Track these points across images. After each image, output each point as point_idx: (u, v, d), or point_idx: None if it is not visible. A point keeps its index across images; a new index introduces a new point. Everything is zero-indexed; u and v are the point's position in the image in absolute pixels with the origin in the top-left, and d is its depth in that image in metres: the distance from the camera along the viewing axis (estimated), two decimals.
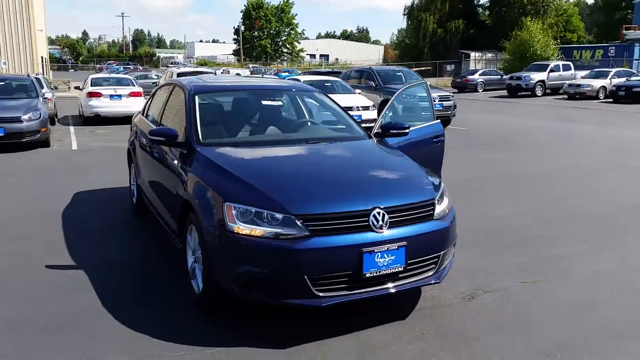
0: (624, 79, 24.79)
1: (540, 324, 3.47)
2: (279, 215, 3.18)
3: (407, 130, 4.71)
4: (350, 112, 8.22)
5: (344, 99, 11.76)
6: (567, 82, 26.42)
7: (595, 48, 33.27)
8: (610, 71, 25.82)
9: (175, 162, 4.22)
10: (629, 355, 3.12)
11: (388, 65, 46.41)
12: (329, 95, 5.39)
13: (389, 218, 3.27)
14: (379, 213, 3.26)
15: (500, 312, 3.65)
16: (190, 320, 3.52)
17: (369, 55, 79.67)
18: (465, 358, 3.06)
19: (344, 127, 4.80)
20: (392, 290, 3.32)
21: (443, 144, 5.72)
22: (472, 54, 47.29)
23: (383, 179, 3.83)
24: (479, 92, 31.03)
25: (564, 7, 58.93)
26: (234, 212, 3.25)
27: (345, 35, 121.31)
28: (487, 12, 54.37)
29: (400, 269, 3.31)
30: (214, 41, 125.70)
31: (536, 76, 27.31)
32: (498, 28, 47.74)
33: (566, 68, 28.12)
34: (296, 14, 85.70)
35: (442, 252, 3.53)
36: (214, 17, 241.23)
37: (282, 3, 76.01)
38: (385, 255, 3.22)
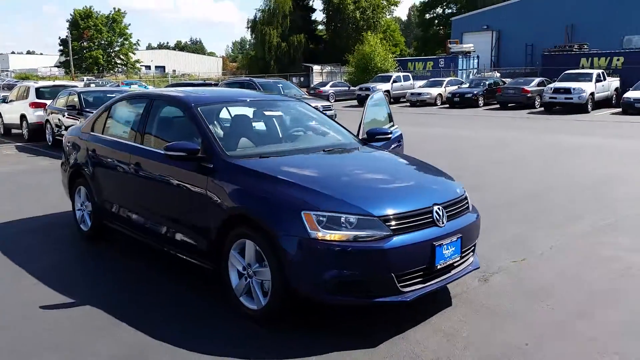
0: (456, 86, 28.36)
1: (553, 290, 4.11)
2: (361, 219, 3.33)
3: (389, 135, 5.11)
4: None
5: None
6: (409, 91, 29.33)
7: (427, 60, 37.45)
8: (444, 80, 29.30)
9: (196, 178, 4.05)
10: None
11: (235, 76, 46.71)
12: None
13: (446, 213, 3.62)
14: (439, 209, 3.59)
15: (518, 286, 4.22)
16: (264, 340, 3.47)
17: (209, 67, 78.79)
18: (519, 326, 3.54)
19: (338, 134, 5.00)
20: (453, 279, 3.67)
21: (402, 146, 6.29)
22: (315, 67, 49.71)
23: (426, 178, 4.16)
24: (330, 102, 32.83)
25: (388, 23, 64.97)
26: (314, 219, 3.31)
27: (180, 47, 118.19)
28: (323, 28, 57.57)
29: (457, 259, 3.67)
30: (28, 52, 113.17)
31: (382, 86, 29.78)
32: (335, 42, 51.10)
33: (406, 79, 31.20)
34: (129, 24, 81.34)
35: (476, 241, 3.98)
36: (27, 26, 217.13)
37: (113, 12, 71.58)
38: (449, 247, 3.55)
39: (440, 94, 28.38)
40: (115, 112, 5.46)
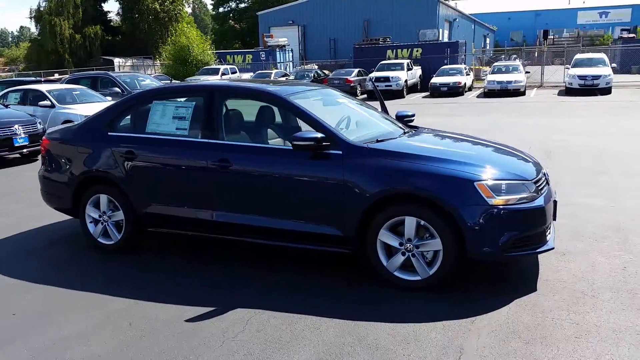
0: (283, 78, 29.53)
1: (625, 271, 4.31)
2: (522, 183, 3.93)
3: (413, 117, 5.65)
4: None
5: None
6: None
7: (246, 53, 37.84)
8: (272, 72, 30.23)
9: (324, 166, 4.13)
10: None
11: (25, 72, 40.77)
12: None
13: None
14: (544, 174, 4.35)
15: (589, 274, 4.26)
16: (436, 302, 3.92)
17: None
18: (608, 304, 3.70)
19: (380, 120, 5.33)
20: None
21: None
22: (117, 60, 46.23)
23: (511, 151, 4.79)
24: None
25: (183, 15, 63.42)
26: (487, 188, 3.79)
27: None
28: (119, 19, 53.68)
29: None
30: None
31: (211, 79, 29.44)
32: (135, 34, 48.30)
33: (233, 71, 31.33)
34: None
35: None
36: None
37: None
38: (556, 204, 4.34)
39: None
40: (157, 107, 4.96)
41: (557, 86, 26.14)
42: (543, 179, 4.23)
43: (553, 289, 3.99)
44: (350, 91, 26.73)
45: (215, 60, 35.35)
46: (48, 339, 3.55)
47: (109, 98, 13.70)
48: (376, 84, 25.60)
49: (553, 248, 4.08)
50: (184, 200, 4.73)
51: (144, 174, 4.86)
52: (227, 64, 33.31)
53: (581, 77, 22.66)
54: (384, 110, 5.80)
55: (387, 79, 25.56)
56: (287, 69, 35.57)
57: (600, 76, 22.39)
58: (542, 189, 4.09)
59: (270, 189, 4.38)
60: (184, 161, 4.70)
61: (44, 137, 5.66)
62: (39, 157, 5.62)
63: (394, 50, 31.20)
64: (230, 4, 73.98)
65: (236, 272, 4.56)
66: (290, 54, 38.01)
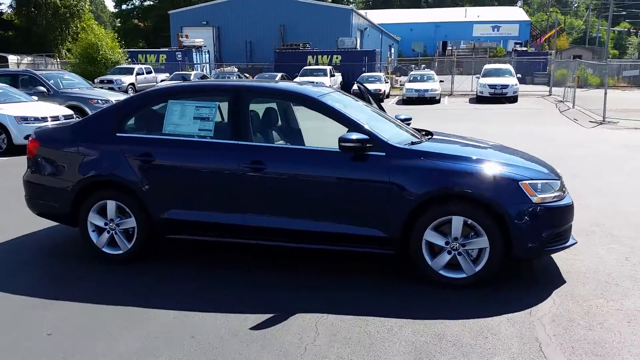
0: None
1: None
2: (556, 182, 4.23)
3: (410, 122, 5.85)
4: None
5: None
6: (160, 85, 28.39)
7: (159, 53, 36.32)
8: (191, 74, 29.37)
9: (367, 168, 4.18)
10: None
11: None
12: None
13: None
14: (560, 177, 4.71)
15: (601, 265, 4.79)
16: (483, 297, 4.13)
17: None
18: (634, 291, 4.08)
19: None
20: None
21: None
22: (11, 57, 42.31)
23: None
24: None
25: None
26: (530, 187, 4.04)
27: None
28: (12, 12, 49.26)
29: None
30: None
31: (126, 79, 28.08)
32: (32, 30, 44.75)
33: (148, 71, 30.05)
34: None
35: None
36: None
37: None
38: None
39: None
40: (175, 107, 4.68)
41: (465, 94, 27.95)
42: (562, 179, 4.58)
43: (580, 280, 4.33)
44: None
45: (127, 59, 33.64)
46: (109, 357, 3.25)
47: (35, 98, 12.61)
48: None
49: (576, 242, 4.43)
50: (210, 204, 4.53)
51: (163, 178, 4.59)
52: (140, 64, 31.83)
53: (491, 86, 24.44)
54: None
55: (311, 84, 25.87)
56: (205, 71, 34.74)
57: (508, 85, 24.30)
58: (565, 188, 4.42)
59: (307, 191, 4.33)
60: (210, 163, 4.51)
61: (30, 138, 5.13)
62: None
63: (314, 56, 31.67)
64: (134, 1, 70.97)
65: (259, 275, 4.46)
66: (207, 55, 37.15)
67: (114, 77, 27.81)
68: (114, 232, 4.75)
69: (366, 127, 4.34)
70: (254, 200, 4.43)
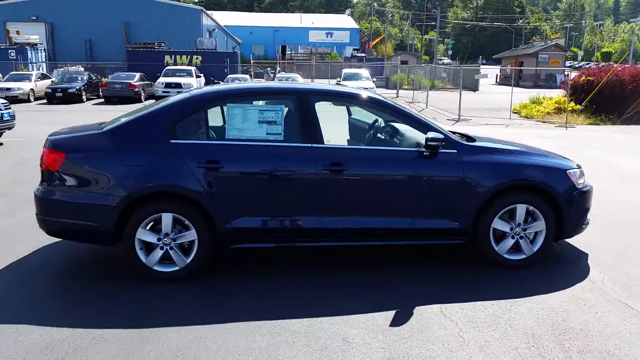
0: (49, 81, 25.96)
1: None
2: (581, 170, 4.97)
3: None
4: None
5: None
6: None
7: None
8: (32, 74, 26.15)
9: (444, 165, 4.50)
10: None
11: None
12: None
13: None
14: None
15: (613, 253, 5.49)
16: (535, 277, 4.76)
17: None
18: None
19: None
20: None
21: None
22: None
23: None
24: None
25: None
26: (573, 175, 4.74)
27: None
28: None
29: None
30: None
31: None
32: None
33: None
34: None
35: None
36: None
37: None
38: None
39: (32, 89, 25.24)
40: (235, 111, 4.42)
41: None
42: None
43: (608, 265, 4.78)
44: (134, 96, 25.06)
45: None
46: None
47: None
48: (167, 89, 24.62)
49: (589, 222, 5.26)
50: (285, 209, 4.42)
51: (233, 185, 4.34)
52: None
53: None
54: None
55: (178, 85, 24.86)
56: (42, 70, 31.06)
57: (367, 89, 25.87)
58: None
59: (386, 190, 4.49)
60: (286, 167, 4.40)
61: (46, 148, 4.38)
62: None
63: (172, 56, 30.39)
64: None
65: (309, 279, 4.50)
66: (44, 53, 33.27)
67: None
68: (168, 247, 4.35)
69: (438, 126, 4.65)
70: (332, 202, 4.44)
